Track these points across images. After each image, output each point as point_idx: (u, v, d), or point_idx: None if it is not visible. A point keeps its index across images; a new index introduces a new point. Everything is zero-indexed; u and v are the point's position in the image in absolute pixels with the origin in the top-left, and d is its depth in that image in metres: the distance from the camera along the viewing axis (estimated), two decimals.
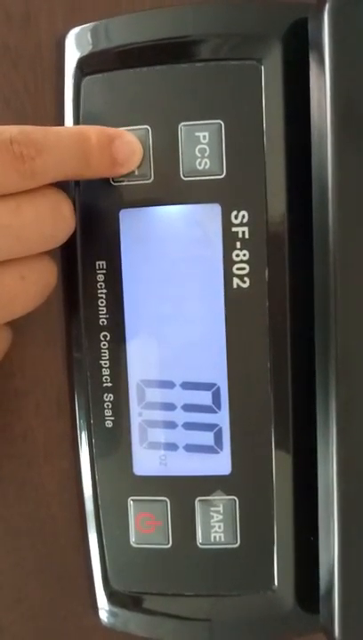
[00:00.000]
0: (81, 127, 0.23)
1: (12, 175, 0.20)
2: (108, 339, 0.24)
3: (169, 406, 0.24)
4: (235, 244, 0.23)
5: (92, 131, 0.22)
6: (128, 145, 0.22)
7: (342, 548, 0.21)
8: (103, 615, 0.26)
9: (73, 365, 0.25)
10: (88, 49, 0.23)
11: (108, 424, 0.24)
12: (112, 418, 0.24)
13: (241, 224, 0.23)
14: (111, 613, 0.25)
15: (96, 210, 0.24)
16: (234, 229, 0.23)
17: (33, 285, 0.22)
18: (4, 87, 0.25)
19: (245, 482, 0.24)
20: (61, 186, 0.22)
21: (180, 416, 0.24)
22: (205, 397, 0.24)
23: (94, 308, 0.24)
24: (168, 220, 0.23)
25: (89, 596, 0.26)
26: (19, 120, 0.25)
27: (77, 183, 0.24)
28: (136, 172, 0.23)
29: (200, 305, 0.23)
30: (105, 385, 0.24)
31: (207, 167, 0.23)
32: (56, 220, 0.21)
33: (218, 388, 0.24)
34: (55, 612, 0.28)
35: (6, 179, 0.20)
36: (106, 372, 0.24)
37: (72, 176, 0.22)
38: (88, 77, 0.23)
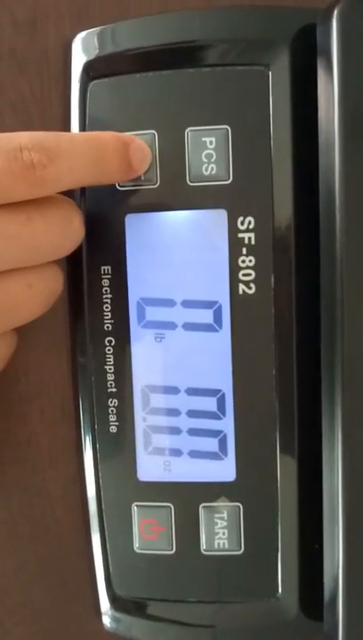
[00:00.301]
0: (96, 133, 0.22)
1: (20, 184, 0.19)
2: (112, 344, 0.24)
3: (174, 412, 0.24)
4: (241, 250, 0.23)
5: (108, 137, 0.22)
6: (140, 150, 0.22)
7: (347, 555, 0.21)
8: (106, 620, 0.26)
9: (78, 371, 0.25)
10: (95, 53, 0.23)
11: (113, 429, 0.24)
12: (116, 423, 0.24)
13: (247, 230, 0.23)
14: (114, 619, 0.25)
15: (102, 215, 0.24)
16: (240, 235, 0.23)
17: (40, 293, 0.22)
18: (10, 92, 0.25)
19: (249, 488, 0.24)
20: (67, 191, 0.22)
21: (184, 422, 0.24)
22: (209, 403, 0.24)
23: (99, 312, 0.24)
24: (174, 226, 0.23)
25: (92, 600, 0.26)
26: (25, 125, 0.25)
27: (83, 188, 0.23)
28: (142, 177, 0.23)
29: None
30: (109, 390, 0.24)
31: (214, 172, 0.23)
32: (66, 232, 0.21)
33: (223, 395, 0.24)
34: (59, 616, 0.28)
35: (15, 188, 0.19)
36: (110, 377, 0.24)
37: (85, 183, 0.22)
38: (95, 82, 0.23)
